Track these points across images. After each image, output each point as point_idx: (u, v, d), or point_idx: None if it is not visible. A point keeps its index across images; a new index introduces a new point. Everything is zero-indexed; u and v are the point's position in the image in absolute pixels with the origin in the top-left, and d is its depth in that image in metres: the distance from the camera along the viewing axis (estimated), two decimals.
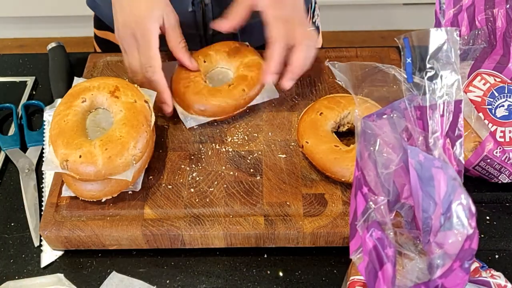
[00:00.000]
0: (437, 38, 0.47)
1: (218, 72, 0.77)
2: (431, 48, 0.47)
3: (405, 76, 0.48)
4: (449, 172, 0.41)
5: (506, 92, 0.66)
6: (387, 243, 0.43)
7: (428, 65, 0.47)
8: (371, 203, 0.45)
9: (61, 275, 0.62)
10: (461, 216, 0.41)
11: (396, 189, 0.47)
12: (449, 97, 0.47)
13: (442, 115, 0.47)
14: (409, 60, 0.47)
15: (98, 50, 1.04)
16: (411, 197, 0.45)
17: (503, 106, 0.67)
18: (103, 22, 0.97)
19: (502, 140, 0.67)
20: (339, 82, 0.52)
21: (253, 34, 0.81)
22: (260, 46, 0.77)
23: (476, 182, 0.71)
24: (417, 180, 0.43)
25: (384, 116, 0.46)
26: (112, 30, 0.98)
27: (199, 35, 0.90)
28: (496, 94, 0.67)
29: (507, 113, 0.67)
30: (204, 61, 0.76)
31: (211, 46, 0.78)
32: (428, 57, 0.47)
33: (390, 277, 0.43)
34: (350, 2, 2.05)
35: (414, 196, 0.43)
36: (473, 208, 0.41)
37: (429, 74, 0.47)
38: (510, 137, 0.67)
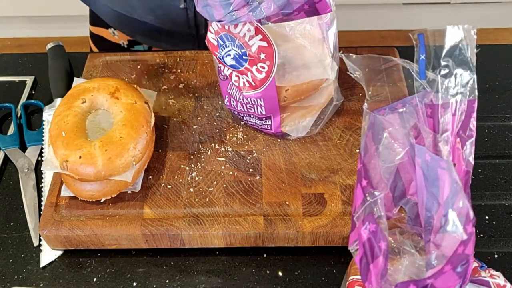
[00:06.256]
0: (453, 35, 0.46)
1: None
2: (447, 46, 0.46)
3: (418, 71, 0.47)
4: (452, 175, 0.41)
5: (229, 40, 0.64)
6: (381, 237, 0.43)
7: (442, 63, 0.46)
8: (368, 196, 0.45)
9: None
10: (458, 220, 0.41)
11: (402, 184, 0.47)
12: (463, 95, 0.46)
13: (454, 114, 0.46)
14: (423, 56, 0.47)
15: (93, 47, 1.04)
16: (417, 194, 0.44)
17: (229, 55, 0.65)
18: (97, 17, 0.97)
19: (237, 84, 0.67)
20: (351, 75, 0.51)
21: None
22: None
23: (476, 182, 0.71)
24: (422, 179, 0.43)
25: (395, 111, 0.46)
26: (105, 26, 0.98)
27: (191, 35, 0.90)
28: (221, 43, 0.65)
29: (233, 63, 0.65)
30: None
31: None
32: (443, 54, 0.46)
33: (380, 269, 0.43)
34: (350, 2, 2.05)
35: (418, 194, 0.43)
36: (471, 214, 0.41)
37: (443, 72, 0.46)
38: (243, 82, 0.66)
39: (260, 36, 0.62)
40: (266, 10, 0.58)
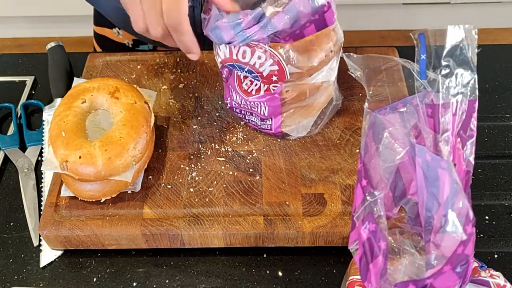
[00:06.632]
0: (454, 35, 0.46)
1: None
2: (448, 46, 0.46)
3: (418, 71, 0.47)
4: (452, 175, 0.41)
5: (237, 68, 0.65)
6: (380, 236, 0.43)
7: (443, 63, 0.46)
8: (368, 196, 0.45)
9: None
10: (458, 221, 0.41)
11: (403, 184, 0.47)
12: (464, 95, 0.46)
13: (454, 114, 0.46)
14: (423, 56, 0.47)
15: (97, 47, 1.04)
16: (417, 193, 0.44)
17: (243, 72, 0.65)
18: (101, 17, 0.97)
19: (246, 88, 0.67)
20: (352, 74, 0.51)
21: None
22: None
23: (476, 182, 0.71)
24: (423, 179, 0.43)
25: (396, 111, 0.46)
26: (110, 26, 0.98)
27: (196, 33, 0.90)
28: (233, 68, 0.66)
29: (250, 76, 0.65)
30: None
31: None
32: (444, 54, 0.46)
33: (380, 269, 0.43)
34: (350, 2, 2.05)
35: (419, 194, 0.43)
36: (471, 214, 0.41)
37: (443, 72, 0.46)
38: (253, 89, 0.67)
39: (271, 61, 0.62)
40: (277, 23, 0.57)
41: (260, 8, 0.58)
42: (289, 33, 0.59)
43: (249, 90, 0.67)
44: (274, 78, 0.63)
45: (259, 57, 0.62)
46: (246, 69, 0.63)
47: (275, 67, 0.62)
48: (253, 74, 0.64)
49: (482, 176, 0.72)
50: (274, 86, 0.65)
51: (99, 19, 0.99)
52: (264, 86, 0.66)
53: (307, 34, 0.60)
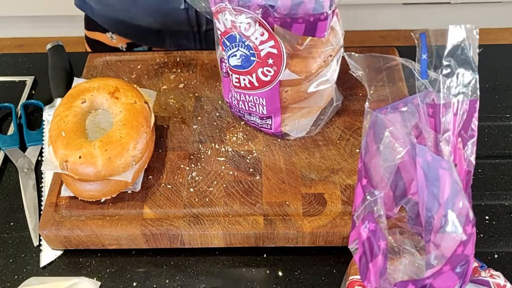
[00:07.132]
0: (455, 35, 0.46)
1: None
2: (449, 46, 0.46)
3: (419, 70, 0.47)
4: (453, 175, 0.41)
5: (237, 41, 0.63)
6: (380, 236, 0.43)
7: (444, 63, 0.46)
8: (368, 195, 0.45)
9: (86, 278, 0.63)
10: (457, 221, 0.41)
11: (403, 183, 0.47)
12: (465, 95, 0.46)
13: (455, 114, 0.46)
14: (424, 56, 0.47)
15: (89, 51, 1.04)
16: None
17: (235, 55, 0.64)
18: (92, 22, 0.97)
19: (238, 85, 0.67)
20: (353, 74, 0.51)
21: None
22: None
23: (476, 182, 0.71)
24: (423, 179, 0.43)
25: (397, 110, 0.46)
26: (102, 31, 0.98)
27: (192, 32, 0.91)
28: (228, 43, 0.64)
29: (239, 63, 0.65)
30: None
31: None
32: (445, 54, 0.46)
33: (380, 268, 0.43)
34: (350, 2, 2.05)
35: (419, 194, 0.43)
36: (471, 215, 0.41)
37: (445, 72, 0.46)
38: (245, 83, 0.66)
39: (272, 43, 0.61)
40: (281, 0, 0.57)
41: None
42: (280, 16, 0.58)
43: (241, 86, 0.67)
44: (270, 61, 0.63)
45: (262, 34, 0.61)
46: (245, 44, 0.62)
47: (274, 50, 0.62)
48: (251, 51, 0.63)
49: (482, 176, 0.72)
50: (267, 71, 0.63)
51: (91, 24, 0.99)
52: (254, 78, 0.65)
53: (294, 31, 0.59)
